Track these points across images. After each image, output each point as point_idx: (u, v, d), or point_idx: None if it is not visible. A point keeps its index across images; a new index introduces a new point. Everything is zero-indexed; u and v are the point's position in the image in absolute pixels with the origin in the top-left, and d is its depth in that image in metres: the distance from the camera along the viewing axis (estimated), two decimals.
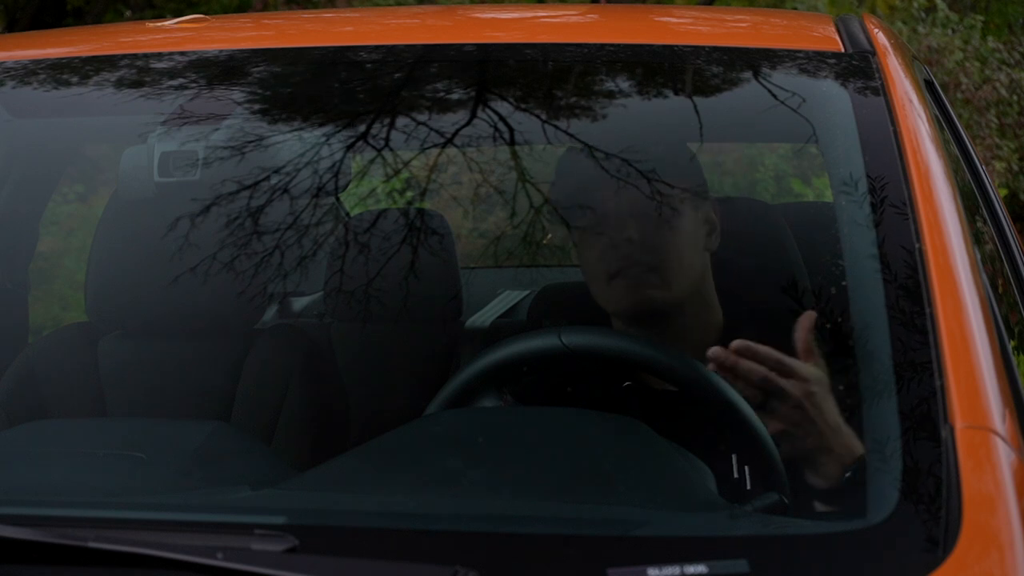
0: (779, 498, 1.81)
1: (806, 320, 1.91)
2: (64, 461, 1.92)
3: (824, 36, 2.37)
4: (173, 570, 1.46)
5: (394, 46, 2.44)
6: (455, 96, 2.36)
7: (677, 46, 2.41)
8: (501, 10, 2.90)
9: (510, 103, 2.32)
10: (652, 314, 2.31)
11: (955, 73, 11.25)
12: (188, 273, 2.44)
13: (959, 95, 11.16)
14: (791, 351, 1.93)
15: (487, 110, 2.29)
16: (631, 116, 2.33)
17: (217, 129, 2.39)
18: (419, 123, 2.30)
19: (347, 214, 3.58)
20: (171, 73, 2.39)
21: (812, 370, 1.91)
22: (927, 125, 2.10)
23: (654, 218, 2.31)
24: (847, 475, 1.83)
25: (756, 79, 2.30)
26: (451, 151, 2.37)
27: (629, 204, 2.31)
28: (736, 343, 1.93)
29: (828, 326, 1.96)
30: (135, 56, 2.44)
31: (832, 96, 2.19)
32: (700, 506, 1.74)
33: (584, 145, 2.33)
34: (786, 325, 1.95)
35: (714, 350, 1.93)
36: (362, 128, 2.32)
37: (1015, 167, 11.45)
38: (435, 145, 2.29)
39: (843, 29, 2.35)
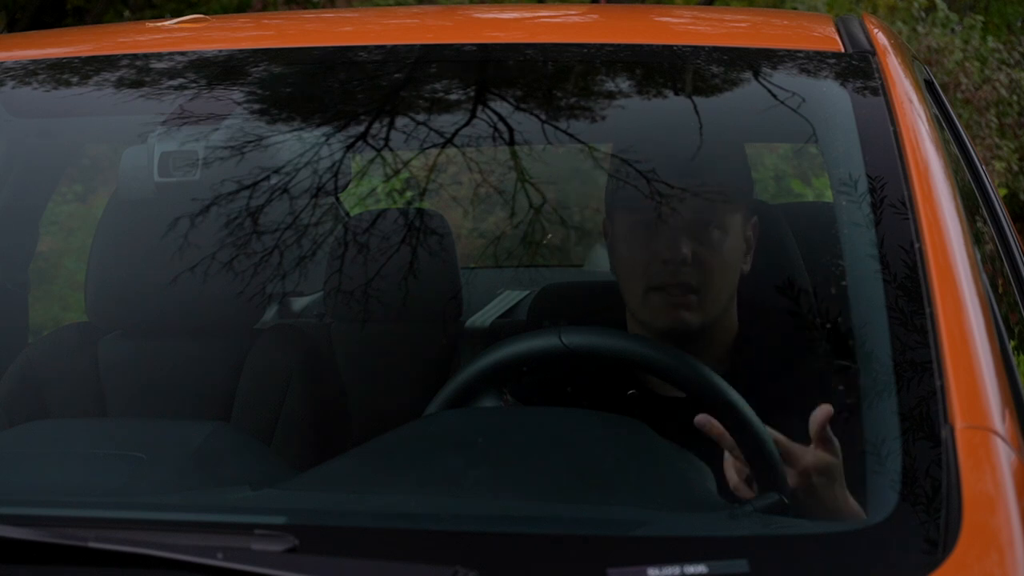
0: (779, 498, 1.81)
1: (821, 413, 1.82)
2: (64, 461, 1.92)
3: (824, 36, 2.37)
4: (173, 570, 1.46)
5: (394, 46, 2.44)
6: (455, 96, 2.36)
7: (677, 46, 2.41)
8: (501, 10, 2.90)
9: (510, 103, 2.31)
10: (683, 334, 2.29)
11: (955, 73, 11.24)
12: (188, 273, 2.44)
13: (959, 95, 11.14)
14: (789, 357, 1.93)
15: (487, 110, 2.28)
16: (681, 116, 2.30)
17: (217, 129, 2.39)
18: (419, 123, 2.30)
19: (347, 214, 3.58)
20: (171, 73, 2.39)
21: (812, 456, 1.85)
22: (927, 125, 2.10)
23: (708, 238, 2.28)
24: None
25: (756, 79, 2.29)
26: (451, 151, 2.37)
27: (685, 219, 2.27)
28: (698, 419, 1.89)
29: (828, 326, 1.95)
30: (135, 56, 2.43)
31: (832, 96, 2.19)
32: (700, 506, 1.74)
33: (631, 147, 2.30)
34: (788, 329, 1.95)
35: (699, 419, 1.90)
36: (362, 128, 2.32)
37: (1015, 167, 11.43)
38: (435, 145, 2.29)
39: (843, 29, 2.35)
